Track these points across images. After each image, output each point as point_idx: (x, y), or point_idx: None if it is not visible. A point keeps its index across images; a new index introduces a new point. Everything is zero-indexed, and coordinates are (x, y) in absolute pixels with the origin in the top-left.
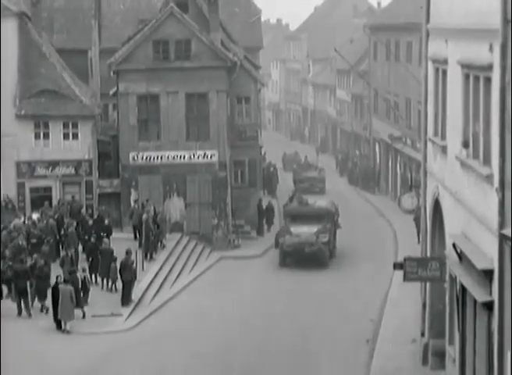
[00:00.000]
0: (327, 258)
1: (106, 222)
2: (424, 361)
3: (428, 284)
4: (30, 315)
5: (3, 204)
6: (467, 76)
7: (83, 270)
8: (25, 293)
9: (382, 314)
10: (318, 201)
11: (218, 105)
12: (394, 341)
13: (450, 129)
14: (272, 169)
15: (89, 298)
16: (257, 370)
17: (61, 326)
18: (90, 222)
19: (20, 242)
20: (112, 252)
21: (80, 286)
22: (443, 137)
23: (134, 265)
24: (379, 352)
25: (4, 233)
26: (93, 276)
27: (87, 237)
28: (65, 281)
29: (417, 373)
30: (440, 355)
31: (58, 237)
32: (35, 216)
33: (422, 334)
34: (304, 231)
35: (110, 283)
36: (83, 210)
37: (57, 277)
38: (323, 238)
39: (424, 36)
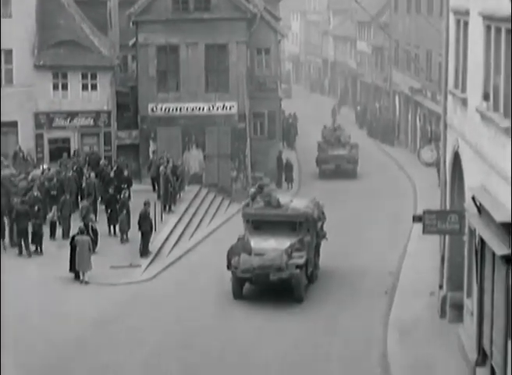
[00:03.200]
0: (302, 289)
1: (125, 173)
2: (442, 313)
3: (447, 237)
4: (29, 255)
5: (20, 155)
6: (488, 28)
7: (90, 220)
8: (25, 233)
9: (401, 266)
10: (295, 201)
11: (237, 57)
12: (412, 293)
13: (471, 81)
14: (290, 120)
15: (97, 248)
16: (274, 320)
17: (79, 277)
18: (112, 174)
19: (35, 194)
20: (124, 203)
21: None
22: (464, 90)
23: (152, 216)
24: (398, 305)
25: (23, 183)
26: (111, 227)
27: (107, 189)
28: (81, 232)
29: (435, 326)
30: (458, 308)
31: (77, 188)
32: (52, 167)
33: (440, 287)
34: (271, 247)
35: (122, 234)
36: (102, 161)
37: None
38: (298, 259)
39: None
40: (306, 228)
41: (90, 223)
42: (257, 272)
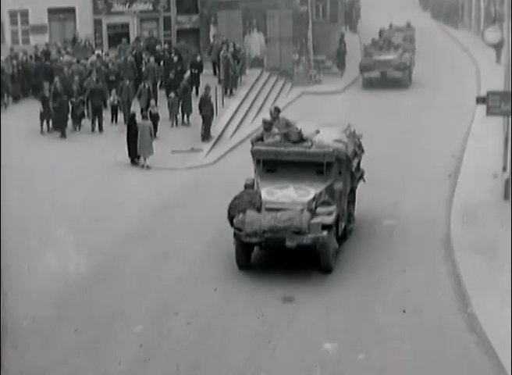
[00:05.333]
0: (331, 256)
1: (198, 59)
2: (506, 195)
3: (510, 119)
4: (101, 130)
5: (79, 41)
6: None
7: (150, 105)
8: (100, 110)
9: (464, 149)
10: (324, 132)
11: None
12: (476, 175)
13: None
14: (359, 4)
15: (157, 133)
16: None
17: (135, 162)
18: (175, 58)
19: (94, 79)
20: (186, 88)
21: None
22: None
23: (213, 100)
24: (461, 187)
25: (81, 68)
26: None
27: (168, 73)
28: (143, 117)
29: (499, 208)
30: None
31: (136, 73)
32: (111, 53)
33: (504, 169)
34: (288, 199)
35: (173, 117)
36: (158, 47)
37: (133, 114)
38: (326, 217)
39: None
40: (337, 171)
41: (149, 108)
42: (267, 236)
